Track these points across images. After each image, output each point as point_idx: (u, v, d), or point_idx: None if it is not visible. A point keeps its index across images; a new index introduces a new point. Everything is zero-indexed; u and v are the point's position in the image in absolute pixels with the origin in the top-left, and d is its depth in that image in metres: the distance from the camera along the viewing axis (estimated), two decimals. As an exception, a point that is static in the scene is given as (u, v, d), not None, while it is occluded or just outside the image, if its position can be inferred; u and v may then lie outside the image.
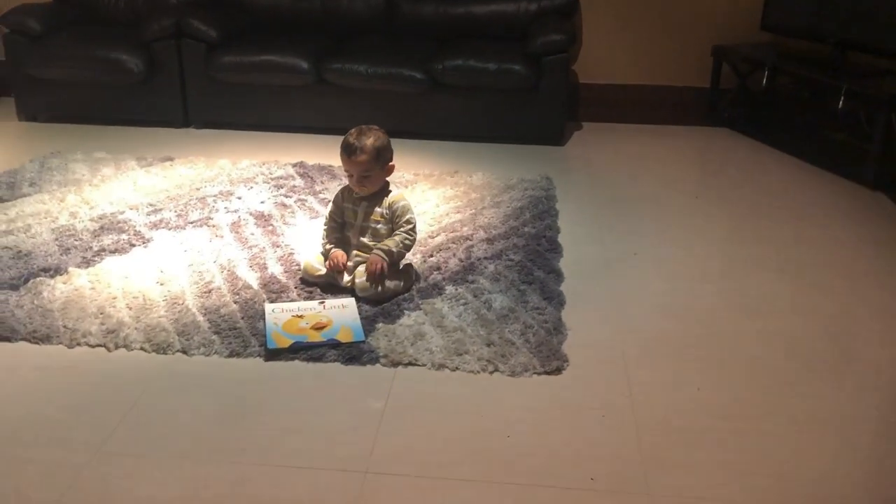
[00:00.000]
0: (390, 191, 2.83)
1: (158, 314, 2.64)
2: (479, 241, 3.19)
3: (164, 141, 4.46)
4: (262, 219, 3.40)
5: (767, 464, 2.05)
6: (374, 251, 2.75)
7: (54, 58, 4.52)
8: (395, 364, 2.41)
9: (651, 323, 2.70)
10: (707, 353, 2.53)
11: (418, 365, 2.41)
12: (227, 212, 3.46)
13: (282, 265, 2.98)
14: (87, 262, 2.98)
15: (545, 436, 2.13)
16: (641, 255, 3.20)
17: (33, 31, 4.56)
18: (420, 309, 2.69)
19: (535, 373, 2.38)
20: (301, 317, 2.61)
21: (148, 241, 3.18)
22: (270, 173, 3.92)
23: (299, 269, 2.91)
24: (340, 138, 2.75)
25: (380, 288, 2.71)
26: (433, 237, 3.23)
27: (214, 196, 3.63)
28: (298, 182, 3.82)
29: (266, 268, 2.96)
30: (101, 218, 3.37)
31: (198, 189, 3.71)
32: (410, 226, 2.80)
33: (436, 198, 3.65)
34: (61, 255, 3.03)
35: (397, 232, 2.78)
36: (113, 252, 3.07)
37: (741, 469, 2.02)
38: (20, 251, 3.04)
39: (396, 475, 1.98)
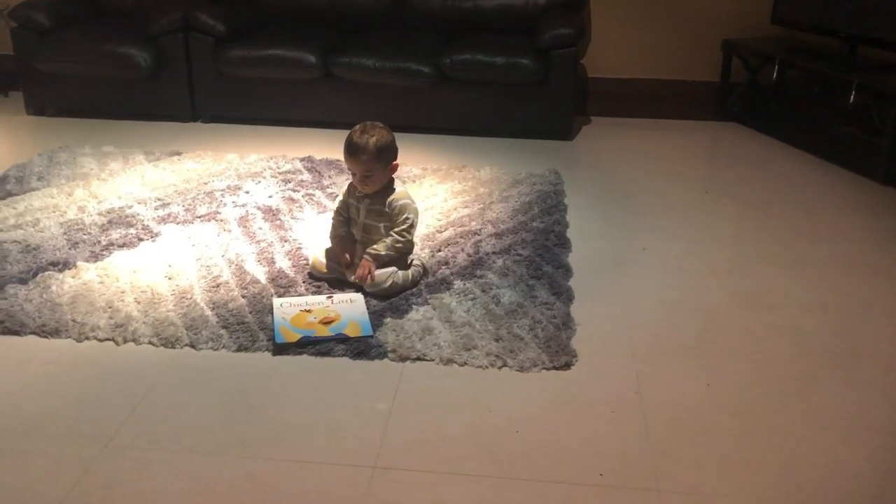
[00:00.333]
0: (394, 189, 2.81)
1: (167, 308, 2.64)
2: (488, 236, 3.18)
3: (172, 135, 4.46)
4: (270, 213, 3.40)
5: (776, 459, 2.04)
6: (364, 254, 2.75)
7: (62, 52, 4.53)
8: (403, 359, 2.41)
9: (660, 318, 2.69)
10: (716, 349, 2.52)
11: (426, 360, 2.41)
12: (235, 206, 3.46)
13: (290, 260, 2.98)
14: (95, 257, 2.99)
15: (554, 431, 2.12)
16: (650, 251, 3.18)
17: (41, 26, 4.57)
18: (428, 304, 2.69)
19: (543, 368, 2.38)
20: (309, 311, 2.61)
21: (156, 235, 3.18)
22: (278, 168, 3.92)
23: (307, 264, 2.91)
24: (348, 133, 2.74)
25: (369, 284, 2.70)
26: (441, 232, 3.22)
27: (222, 190, 3.63)
28: (306, 176, 3.81)
29: (274, 262, 2.96)
30: (109, 212, 3.37)
31: (206, 183, 3.71)
32: (405, 226, 2.76)
33: (444, 192, 3.64)
34: (70, 249, 3.04)
35: (391, 232, 2.77)
36: (121, 246, 3.07)
37: (750, 465, 2.02)
38: (29, 245, 3.05)
39: (404, 470, 1.98)
